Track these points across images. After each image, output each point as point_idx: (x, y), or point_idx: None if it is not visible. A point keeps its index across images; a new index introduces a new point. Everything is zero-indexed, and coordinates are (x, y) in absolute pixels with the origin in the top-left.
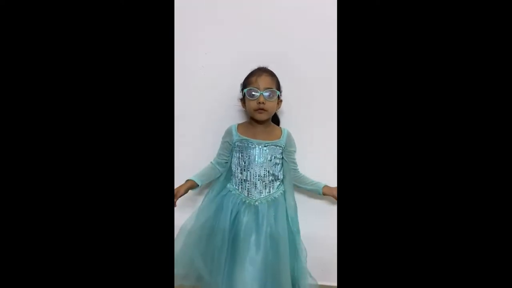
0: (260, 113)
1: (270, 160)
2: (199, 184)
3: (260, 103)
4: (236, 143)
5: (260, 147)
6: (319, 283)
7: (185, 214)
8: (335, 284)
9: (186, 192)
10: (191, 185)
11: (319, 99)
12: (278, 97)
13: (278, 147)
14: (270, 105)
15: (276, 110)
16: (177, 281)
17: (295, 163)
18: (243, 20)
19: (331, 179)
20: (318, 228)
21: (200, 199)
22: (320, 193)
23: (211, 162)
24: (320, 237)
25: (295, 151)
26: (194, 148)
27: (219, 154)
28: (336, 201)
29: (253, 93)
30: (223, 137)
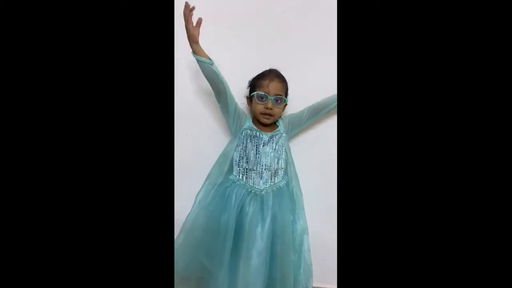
0: (267, 118)
1: (276, 149)
2: (211, 61)
3: (267, 108)
4: (246, 130)
5: (267, 137)
6: (320, 285)
7: (184, 210)
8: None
9: (195, 28)
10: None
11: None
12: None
13: (281, 134)
14: (277, 111)
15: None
16: (180, 276)
17: (305, 108)
18: (246, 20)
19: (331, 180)
20: (320, 229)
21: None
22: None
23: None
24: (322, 238)
25: (295, 112)
26: (196, 146)
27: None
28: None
29: (263, 97)
30: (241, 110)
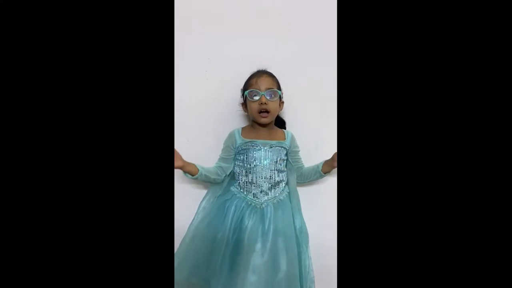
0: (264, 116)
1: (276, 162)
2: (199, 172)
3: (262, 104)
4: (240, 147)
5: (265, 148)
6: None
7: (185, 218)
8: None
9: (182, 167)
10: (191, 170)
11: (323, 102)
12: (280, 98)
13: (283, 148)
14: (272, 105)
15: (279, 111)
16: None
17: (301, 161)
18: (244, 24)
19: (332, 181)
20: (325, 234)
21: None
22: (322, 174)
23: (215, 165)
24: (328, 243)
25: (299, 151)
26: (197, 152)
27: (222, 159)
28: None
29: (255, 94)
30: (225, 142)
